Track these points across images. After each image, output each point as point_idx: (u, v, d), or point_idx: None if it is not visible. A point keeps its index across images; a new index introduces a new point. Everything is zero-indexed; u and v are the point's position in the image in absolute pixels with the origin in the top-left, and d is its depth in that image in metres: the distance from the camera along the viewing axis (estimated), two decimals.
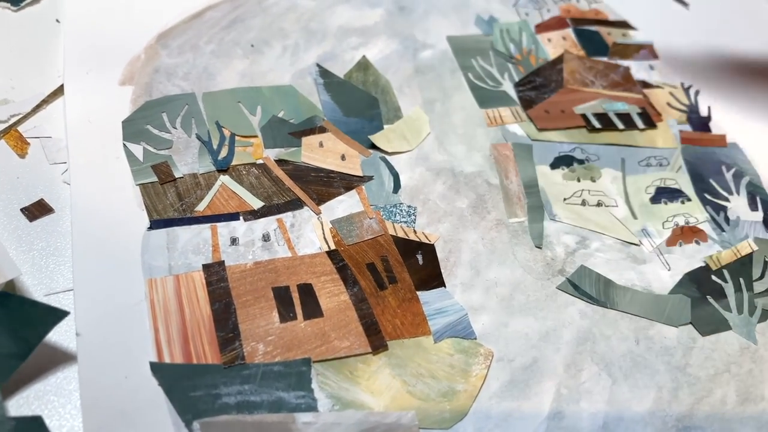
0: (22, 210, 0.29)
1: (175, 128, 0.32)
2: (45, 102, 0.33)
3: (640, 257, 0.32)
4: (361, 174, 0.32)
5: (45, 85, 0.34)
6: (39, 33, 0.36)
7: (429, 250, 0.30)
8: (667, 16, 0.44)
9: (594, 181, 0.34)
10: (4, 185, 0.30)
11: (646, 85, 0.40)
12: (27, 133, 0.32)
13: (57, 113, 0.33)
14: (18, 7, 0.37)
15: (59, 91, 0.33)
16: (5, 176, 0.30)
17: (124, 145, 0.31)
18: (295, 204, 0.31)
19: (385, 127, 0.35)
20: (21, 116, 0.32)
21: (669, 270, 0.32)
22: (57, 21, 0.36)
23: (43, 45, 0.35)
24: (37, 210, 0.29)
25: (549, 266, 0.31)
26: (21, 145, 0.31)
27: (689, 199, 0.35)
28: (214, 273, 0.27)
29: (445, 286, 0.29)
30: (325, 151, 0.33)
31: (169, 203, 0.29)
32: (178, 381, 0.24)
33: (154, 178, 0.30)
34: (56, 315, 0.24)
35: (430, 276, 0.29)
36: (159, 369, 0.24)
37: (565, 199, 0.33)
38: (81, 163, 0.30)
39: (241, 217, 0.30)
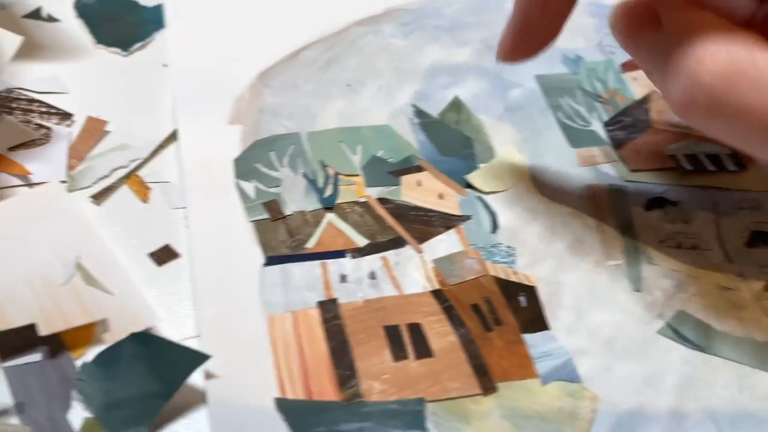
0: (149, 255, 0.30)
1: (283, 167, 0.34)
2: (161, 147, 0.34)
3: (738, 303, 0.32)
4: (459, 213, 0.33)
5: (159, 130, 0.35)
6: (148, 78, 0.37)
7: (531, 292, 0.31)
8: None
9: (688, 223, 0.35)
10: (131, 231, 0.31)
11: None
12: (147, 178, 0.33)
13: (172, 158, 0.34)
14: (128, 52, 0.39)
15: (173, 136, 0.34)
16: (131, 221, 0.32)
17: (237, 183, 0.32)
18: (398, 242, 0.32)
19: (480, 166, 0.35)
20: (140, 161, 0.34)
21: None
22: (164, 65, 0.38)
23: (153, 89, 0.37)
24: (165, 255, 0.30)
25: (648, 310, 0.31)
26: (143, 191, 0.33)
27: None
28: (329, 310, 0.28)
29: (549, 329, 0.29)
30: (424, 190, 0.34)
31: (281, 240, 0.31)
32: (302, 417, 0.25)
33: (266, 215, 0.31)
34: (197, 357, 0.25)
35: (534, 318, 0.30)
36: (283, 405, 0.26)
37: (660, 242, 0.34)
38: (198, 201, 0.31)
39: (348, 255, 0.31)
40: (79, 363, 0.27)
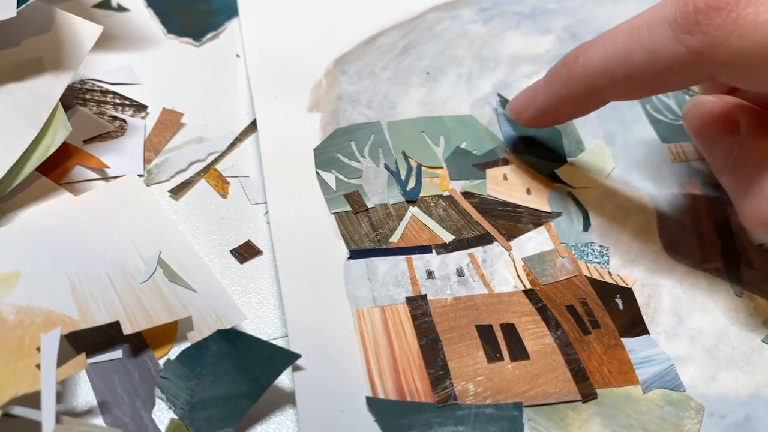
0: (231, 252, 0.29)
1: (364, 157, 0.32)
2: (238, 140, 0.33)
3: None
4: (548, 209, 0.32)
5: (235, 122, 0.34)
6: (221, 68, 0.37)
7: (628, 293, 0.29)
8: None
9: None
10: (211, 226, 0.30)
11: None
12: (225, 172, 0.32)
13: (250, 151, 0.33)
14: (200, 42, 0.38)
15: (251, 129, 0.34)
16: (211, 217, 0.31)
17: (317, 173, 0.31)
18: (485, 239, 0.30)
19: (569, 160, 0.34)
20: (218, 154, 0.33)
21: None
22: (237, 56, 0.37)
23: (227, 80, 0.36)
24: (246, 252, 0.29)
25: (752, 316, 0.29)
26: (222, 185, 0.32)
27: None
28: (418, 307, 0.27)
29: (648, 333, 0.28)
30: (510, 185, 0.32)
31: (364, 233, 0.29)
32: (394, 418, 0.24)
33: (348, 208, 0.30)
34: (287, 357, 0.24)
35: (632, 322, 0.28)
36: (375, 404, 0.24)
37: (761, 245, 0.32)
38: (278, 192, 0.30)
39: (433, 250, 0.29)
40: (162, 362, 0.26)
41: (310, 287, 0.27)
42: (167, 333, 0.27)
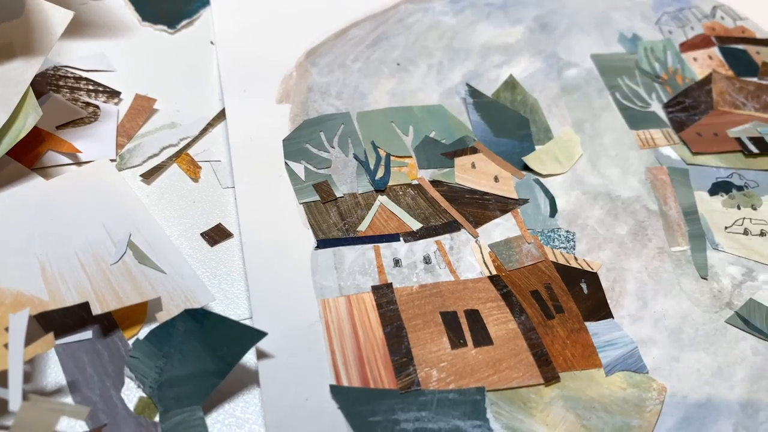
0: (202, 235, 0.30)
1: (333, 147, 0.33)
2: (210, 125, 0.34)
3: None
4: (516, 196, 0.32)
5: (208, 108, 0.34)
6: (195, 55, 0.37)
7: (593, 278, 0.29)
8: None
9: (755, 209, 0.33)
10: (182, 210, 0.31)
11: None
12: (197, 157, 0.32)
13: (223, 136, 0.33)
14: (174, 30, 0.38)
15: (222, 115, 0.34)
16: (182, 201, 0.31)
17: (286, 163, 0.31)
18: (452, 226, 0.31)
19: (537, 147, 0.34)
20: (190, 139, 0.33)
21: None
22: (211, 43, 0.37)
23: (201, 67, 0.36)
24: (217, 235, 0.30)
25: (716, 298, 0.30)
26: (194, 169, 0.32)
27: None
28: (384, 295, 0.27)
29: (612, 317, 0.28)
30: (478, 173, 0.33)
31: (333, 222, 0.30)
32: (358, 405, 0.24)
33: (316, 197, 0.30)
34: (254, 335, 0.24)
35: (597, 306, 0.28)
36: (339, 392, 0.25)
37: (726, 228, 0.32)
38: (246, 182, 0.30)
39: (401, 238, 0.30)
40: (131, 342, 0.26)
41: (277, 277, 0.27)
42: (137, 314, 0.27)
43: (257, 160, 0.32)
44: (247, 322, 0.27)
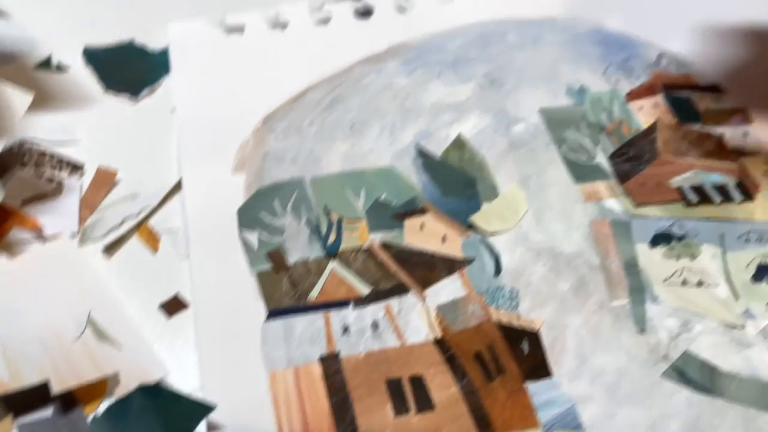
0: (160, 306, 0.31)
1: (287, 214, 0.34)
2: (170, 194, 0.35)
3: (744, 341, 0.32)
4: (462, 256, 0.33)
5: (168, 177, 0.36)
6: (157, 123, 0.38)
7: (534, 337, 0.31)
8: (758, 77, 0.44)
9: (694, 259, 0.35)
10: (141, 282, 0.32)
11: (741, 152, 0.40)
12: (157, 227, 0.34)
13: (181, 205, 0.35)
14: (137, 98, 0.39)
15: (180, 184, 0.35)
16: (141, 273, 0.32)
17: (240, 233, 0.33)
18: (401, 289, 0.32)
19: (483, 206, 0.35)
20: (150, 210, 0.34)
21: None
22: (172, 110, 0.38)
23: (162, 135, 0.38)
24: (174, 306, 0.31)
25: (653, 352, 0.31)
26: (153, 240, 0.33)
27: None
28: (330, 365, 0.29)
29: (551, 376, 0.30)
30: (427, 233, 0.34)
31: (284, 291, 0.31)
32: None
33: (269, 266, 0.32)
34: (203, 409, 0.26)
35: (537, 365, 0.30)
36: None
37: (665, 279, 0.34)
38: (202, 254, 0.32)
39: (351, 304, 0.31)
40: (91, 418, 0.27)
41: (228, 349, 0.29)
42: (96, 389, 0.29)
43: (212, 230, 0.33)
44: (200, 394, 0.28)
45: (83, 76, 0.40)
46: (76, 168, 0.36)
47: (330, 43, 0.42)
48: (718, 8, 0.47)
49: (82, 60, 0.41)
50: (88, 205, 0.34)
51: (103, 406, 0.28)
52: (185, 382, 0.29)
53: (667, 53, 0.45)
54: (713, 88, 0.43)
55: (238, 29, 0.42)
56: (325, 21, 0.43)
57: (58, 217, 0.34)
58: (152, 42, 0.42)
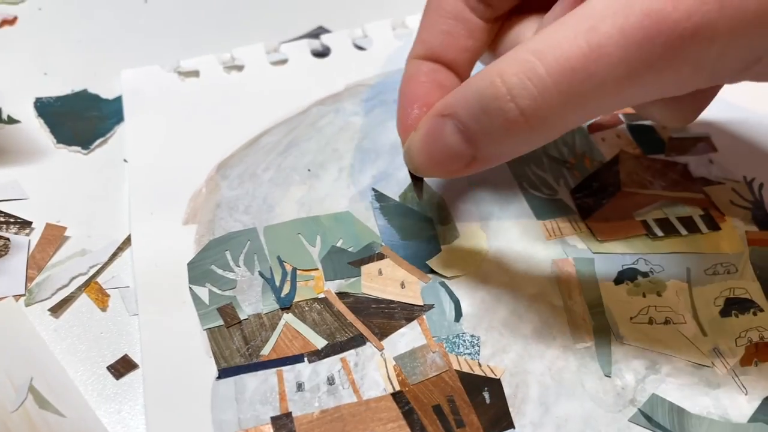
0: (108, 368, 0.30)
1: (239, 266, 0.33)
2: (120, 249, 0.34)
3: (713, 380, 0.31)
4: (421, 303, 0.32)
5: (119, 231, 0.35)
6: (108, 175, 0.37)
7: (496, 385, 0.30)
8: (721, 104, 0.43)
9: (660, 295, 0.34)
10: (90, 343, 0.31)
11: (706, 182, 0.39)
12: (106, 285, 0.33)
13: (131, 261, 0.34)
14: (88, 150, 0.38)
15: (130, 239, 0.34)
16: (89, 333, 0.31)
17: (190, 288, 0.32)
18: (358, 340, 0.31)
19: (442, 248, 0.35)
20: (99, 266, 0.33)
21: (746, 394, 0.30)
22: (125, 161, 0.38)
23: (113, 187, 0.37)
24: (122, 367, 0.30)
25: (620, 396, 0.30)
26: (102, 298, 0.32)
27: (761, 310, 0.33)
28: (282, 426, 0.28)
29: (514, 427, 0.29)
30: (385, 279, 0.33)
31: (236, 348, 0.30)
32: None
33: (221, 322, 0.31)
34: None
35: (498, 416, 0.29)
36: None
37: (631, 318, 0.33)
38: (151, 311, 0.31)
39: (306, 359, 0.30)
40: None
41: (177, 412, 0.28)
42: None
43: (162, 286, 0.32)
44: None
45: (34, 129, 0.40)
46: (24, 225, 0.35)
47: (287, 84, 0.41)
48: None
49: (34, 112, 0.40)
50: (36, 263, 0.33)
51: None
52: None
53: None
54: None
55: (193, 74, 0.41)
56: (282, 62, 0.43)
57: (4, 277, 0.33)
58: (106, 91, 0.41)
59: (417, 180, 0.33)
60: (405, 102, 0.30)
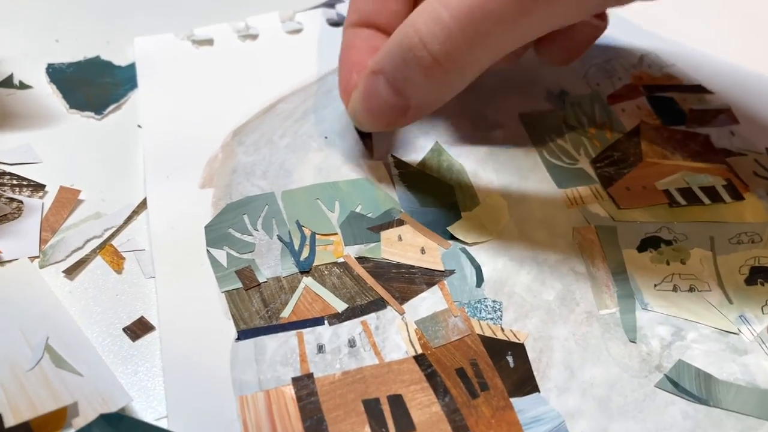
0: (124, 330, 0.29)
1: (257, 230, 0.32)
2: (135, 213, 0.33)
3: (740, 347, 0.30)
4: (442, 268, 0.32)
5: (134, 195, 0.34)
6: (122, 141, 0.37)
7: (519, 350, 0.29)
8: (744, 76, 0.43)
9: (684, 263, 0.33)
10: (105, 304, 0.30)
11: (728, 153, 0.39)
12: (121, 247, 0.32)
13: (147, 224, 0.33)
14: (101, 116, 0.38)
15: (146, 202, 0.34)
16: (105, 295, 0.31)
17: (208, 251, 0.31)
18: (379, 304, 0.30)
19: (463, 215, 0.34)
20: (114, 229, 0.33)
21: None
22: (139, 126, 0.37)
23: (127, 153, 0.36)
24: (139, 329, 0.29)
25: (645, 362, 0.29)
26: (117, 261, 0.32)
27: None
28: (304, 387, 0.27)
29: (539, 391, 0.28)
30: (405, 245, 0.33)
31: (255, 310, 0.29)
32: None
33: (239, 284, 0.30)
34: None
35: (523, 380, 0.28)
36: None
37: (655, 285, 0.32)
38: (167, 273, 0.30)
39: (326, 322, 0.30)
40: None
41: (195, 373, 0.27)
42: (55, 419, 0.27)
43: (179, 249, 0.31)
44: (164, 421, 0.26)
45: (46, 95, 0.39)
46: (37, 188, 0.34)
47: (302, 53, 0.41)
48: (700, 8, 0.46)
49: (46, 78, 0.39)
50: (50, 226, 0.33)
51: None
52: (150, 409, 0.27)
53: (649, 54, 0.44)
54: (698, 88, 0.42)
55: (207, 42, 0.41)
56: (297, 31, 0.42)
57: (18, 239, 0.32)
58: (119, 59, 0.41)
59: (365, 137, 0.35)
60: (345, 69, 0.33)
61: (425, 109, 0.30)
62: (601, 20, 0.36)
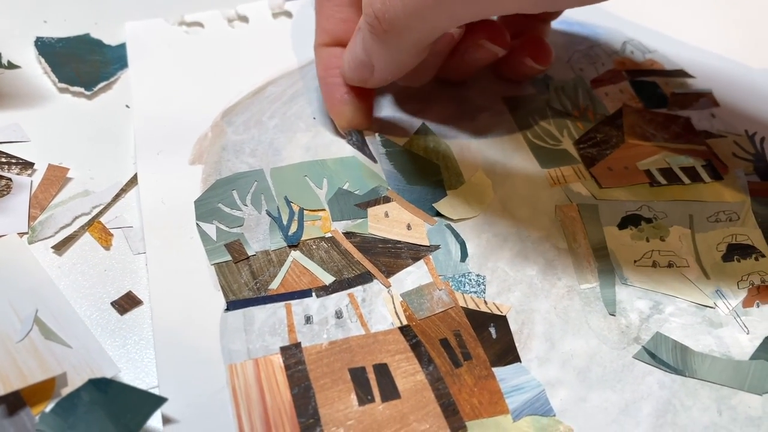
0: (112, 304, 0.30)
1: (246, 205, 0.33)
2: (123, 190, 0.34)
3: (716, 321, 0.31)
4: (428, 243, 0.33)
5: (122, 173, 0.35)
6: (111, 120, 0.37)
7: (502, 322, 0.30)
8: (724, 62, 0.44)
9: (663, 240, 0.34)
10: (93, 279, 0.31)
11: (708, 134, 0.40)
12: (109, 224, 0.33)
13: (134, 202, 0.34)
14: (91, 92, 0.38)
15: (135, 180, 0.34)
16: (93, 270, 0.31)
17: (198, 224, 0.32)
18: (365, 277, 0.31)
19: (448, 193, 0.35)
20: (102, 207, 0.33)
21: (748, 333, 0.31)
22: (127, 107, 0.37)
23: (117, 132, 0.36)
24: (127, 303, 0.30)
25: (624, 334, 0.30)
26: (105, 237, 0.32)
27: (763, 255, 0.34)
28: (292, 356, 0.28)
29: (520, 361, 0.29)
30: (391, 221, 0.33)
31: (244, 282, 0.30)
32: None
33: (228, 257, 0.31)
34: (154, 401, 0.25)
35: (505, 350, 0.29)
36: None
37: (635, 261, 0.33)
38: (157, 246, 0.31)
39: (313, 294, 0.30)
40: (39, 416, 0.26)
41: (185, 343, 0.28)
42: (44, 389, 0.27)
43: (169, 223, 0.32)
44: (155, 391, 0.27)
45: (35, 75, 0.39)
46: (26, 166, 0.35)
47: (291, 38, 0.41)
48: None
49: (35, 52, 0.40)
50: (39, 203, 0.33)
51: (50, 405, 0.26)
52: (138, 380, 0.28)
53: (632, 40, 0.45)
54: (680, 73, 0.43)
55: (197, 24, 0.41)
56: (286, 14, 0.43)
57: (6, 216, 0.33)
58: (108, 38, 0.41)
59: (363, 145, 0.36)
60: (327, 88, 0.36)
61: (385, 72, 0.32)
62: (501, 46, 0.36)
